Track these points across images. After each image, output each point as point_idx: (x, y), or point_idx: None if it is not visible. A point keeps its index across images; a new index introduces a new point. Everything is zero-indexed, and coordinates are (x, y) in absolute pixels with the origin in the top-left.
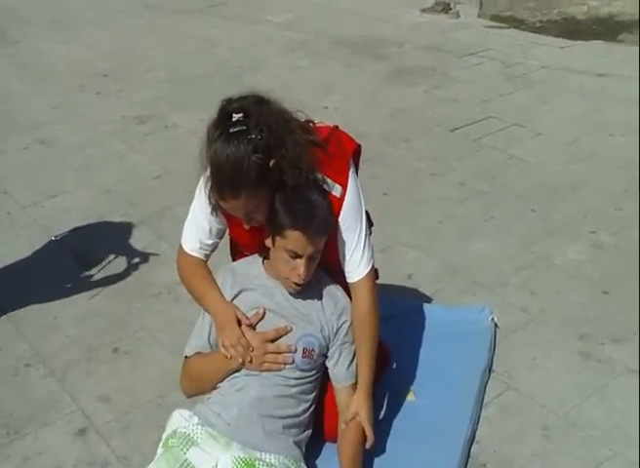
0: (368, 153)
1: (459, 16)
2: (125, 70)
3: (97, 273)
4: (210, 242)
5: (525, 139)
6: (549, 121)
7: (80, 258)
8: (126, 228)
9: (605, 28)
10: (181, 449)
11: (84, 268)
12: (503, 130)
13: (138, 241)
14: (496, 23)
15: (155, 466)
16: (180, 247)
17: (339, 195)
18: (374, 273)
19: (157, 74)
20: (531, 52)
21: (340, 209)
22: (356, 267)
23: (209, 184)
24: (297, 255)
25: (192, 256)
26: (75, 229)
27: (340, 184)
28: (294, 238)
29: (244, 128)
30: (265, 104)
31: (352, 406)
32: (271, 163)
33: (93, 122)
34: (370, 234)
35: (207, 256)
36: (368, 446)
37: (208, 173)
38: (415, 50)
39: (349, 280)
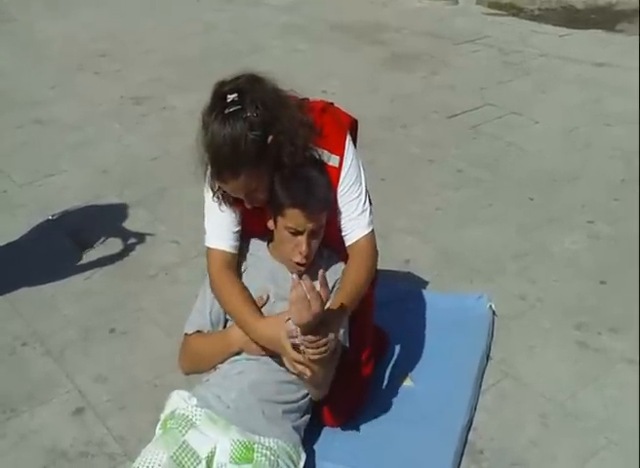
0: (365, 138)
1: (457, 2)
2: (123, 51)
3: (93, 253)
4: (236, 229)
5: (522, 128)
6: (547, 110)
7: (77, 238)
8: (122, 209)
9: (604, 17)
10: (180, 431)
11: (80, 248)
12: (501, 117)
13: (134, 221)
14: (494, 11)
15: (154, 448)
16: (208, 251)
17: (337, 165)
18: (374, 237)
19: (155, 55)
20: (529, 40)
21: (338, 177)
22: (355, 227)
23: (209, 171)
24: (297, 232)
25: (223, 255)
26: (72, 209)
27: (337, 155)
28: (293, 215)
29: (239, 107)
30: (259, 82)
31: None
32: (269, 139)
33: (90, 102)
34: (370, 209)
35: (236, 248)
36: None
37: (206, 159)
38: (413, 36)
39: (347, 242)
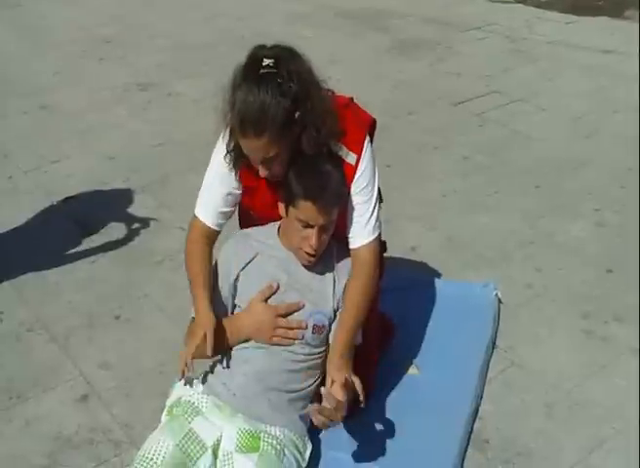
0: None
1: None
2: (128, 37)
3: (98, 239)
4: (226, 210)
5: (529, 115)
6: (553, 97)
7: (81, 224)
8: (127, 195)
9: (611, 4)
10: (186, 419)
11: (85, 234)
12: (507, 105)
13: (139, 208)
14: None
15: (159, 434)
16: (193, 217)
17: (353, 163)
18: (377, 245)
19: (160, 42)
20: (536, 27)
21: (353, 176)
22: (359, 233)
23: (229, 130)
24: (308, 225)
25: (205, 228)
26: (77, 195)
27: (355, 153)
28: (305, 208)
29: (274, 71)
30: (297, 57)
31: (328, 373)
32: (297, 114)
33: (95, 88)
34: (380, 208)
35: (220, 226)
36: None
37: (228, 118)
38: (419, 22)
39: (351, 246)
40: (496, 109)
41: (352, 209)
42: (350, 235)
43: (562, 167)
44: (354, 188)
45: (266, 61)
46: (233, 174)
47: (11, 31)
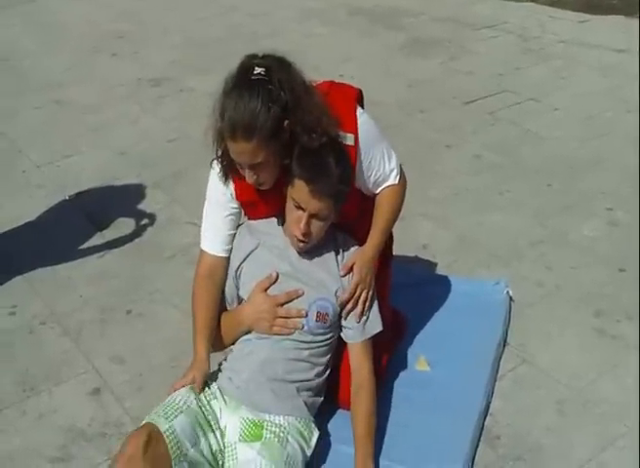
0: (383, 123)
1: None
2: (141, 32)
3: (110, 234)
4: (229, 232)
5: (541, 114)
6: (566, 96)
7: (94, 219)
8: (140, 190)
9: (624, 3)
10: (205, 397)
11: (98, 229)
12: (519, 104)
13: (151, 203)
14: None
15: (184, 391)
16: (201, 252)
17: (352, 143)
18: (403, 184)
19: (173, 37)
20: (548, 26)
21: (356, 155)
22: (384, 179)
23: (219, 135)
24: (300, 207)
25: (212, 259)
26: (89, 190)
27: (351, 133)
28: (299, 188)
29: (266, 78)
30: (288, 66)
31: (351, 258)
32: (285, 123)
33: (108, 83)
34: (397, 161)
35: (228, 252)
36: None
37: (218, 125)
38: (431, 21)
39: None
40: (508, 108)
41: (369, 168)
42: (376, 189)
43: (574, 166)
44: (367, 161)
45: (258, 70)
46: (228, 193)
47: (25, 26)
